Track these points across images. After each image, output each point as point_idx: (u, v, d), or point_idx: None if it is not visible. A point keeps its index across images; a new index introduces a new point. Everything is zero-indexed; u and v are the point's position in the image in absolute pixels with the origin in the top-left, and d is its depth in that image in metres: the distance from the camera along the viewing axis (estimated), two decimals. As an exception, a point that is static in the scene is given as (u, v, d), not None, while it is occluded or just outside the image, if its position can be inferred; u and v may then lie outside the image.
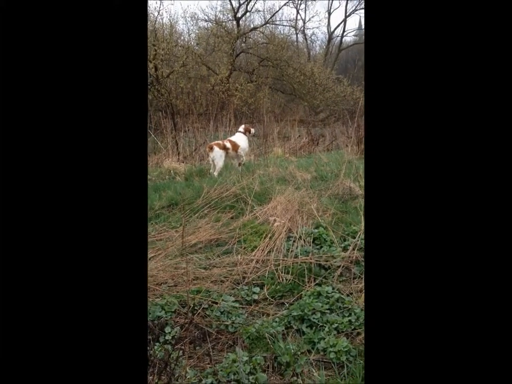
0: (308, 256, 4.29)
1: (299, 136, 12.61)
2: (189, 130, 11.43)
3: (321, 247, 4.51)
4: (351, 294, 3.65)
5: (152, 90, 15.03)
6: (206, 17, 20.51)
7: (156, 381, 2.63)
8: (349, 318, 3.25)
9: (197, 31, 20.42)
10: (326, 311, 3.38)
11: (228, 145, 7.95)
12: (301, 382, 2.64)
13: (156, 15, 15.54)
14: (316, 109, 18.67)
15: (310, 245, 4.55)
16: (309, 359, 2.86)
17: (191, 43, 19.07)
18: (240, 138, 8.41)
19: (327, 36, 26.87)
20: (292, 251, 4.43)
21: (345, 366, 2.75)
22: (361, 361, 2.74)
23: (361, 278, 3.89)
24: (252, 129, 8.44)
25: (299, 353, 2.91)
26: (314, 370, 2.74)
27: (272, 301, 3.72)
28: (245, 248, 4.66)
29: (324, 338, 3.02)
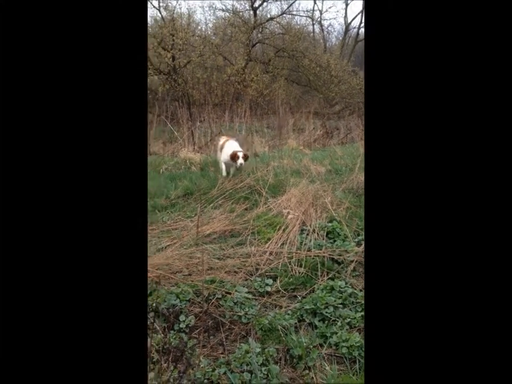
0: (321, 250, 4.28)
1: (313, 128, 12.52)
2: (204, 120, 11.42)
3: (335, 241, 4.49)
4: (363, 288, 3.64)
5: (169, 80, 15.02)
6: (224, 7, 20.35)
7: (172, 368, 2.67)
8: (362, 313, 3.24)
9: (214, 21, 20.32)
10: (339, 305, 3.38)
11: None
12: (313, 376, 2.65)
13: (175, 5, 15.46)
14: (331, 101, 18.47)
15: (323, 239, 4.54)
16: (321, 353, 2.87)
17: (208, 33, 18.99)
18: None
19: (344, 27, 26.50)
20: (305, 244, 4.43)
21: (357, 361, 2.75)
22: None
23: (374, 273, 3.88)
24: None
25: (311, 346, 2.92)
26: (326, 364, 2.75)
27: (284, 293, 3.73)
28: (258, 239, 4.67)
29: (336, 333, 3.02)
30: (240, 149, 6.75)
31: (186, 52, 15.63)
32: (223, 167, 6.79)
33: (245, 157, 6.62)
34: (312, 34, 24.61)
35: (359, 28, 25.39)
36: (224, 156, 6.71)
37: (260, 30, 18.22)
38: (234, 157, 6.49)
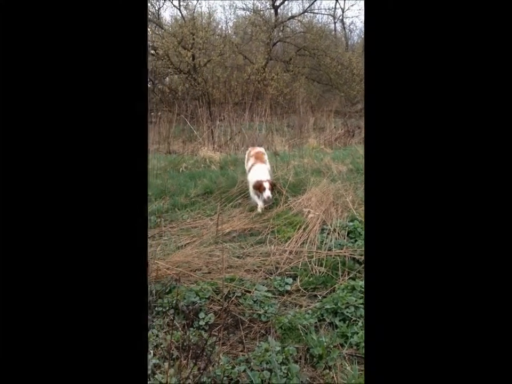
0: (342, 249, 4.25)
1: (335, 127, 12.45)
2: (224, 119, 11.47)
3: (356, 240, 4.46)
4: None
5: (189, 79, 15.15)
6: (244, 6, 20.42)
7: (192, 365, 2.69)
8: (383, 313, 3.21)
9: (234, 20, 20.41)
10: (360, 305, 3.35)
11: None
12: (334, 375, 2.64)
13: (195, 4, 15.58)
14: (353, 99, 18.34)
15: (344, 238, 4.50)
16: (342, 352, 2.84)
17: (228, 32, 19.08)
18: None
19: (366, 25, 26.23)
20: (325, 243, 4.40)
21: (378, 361, 2.72)
22: (395, 358, 2.71)
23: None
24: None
25: (332, 346, 2.90)
26: (347, 364, 2.72)
27: (304, 293, 3.72)
28: (278, 238, 4.67)
29: (357, 333, 3.00)
30: (267, 176, 5.59)
31: (206, 51, 15.74)
32: (256, 199, 5.59)
33: (272, 187, 5.49)
34: (333, 32, 24.48)
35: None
36: (250, 185, 5.66)
37: (281, 29, 18.22)
38: (259, 187, 5.40)
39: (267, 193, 5.35)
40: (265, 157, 6.30)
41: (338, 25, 25.55)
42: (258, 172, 5.67)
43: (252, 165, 5.85)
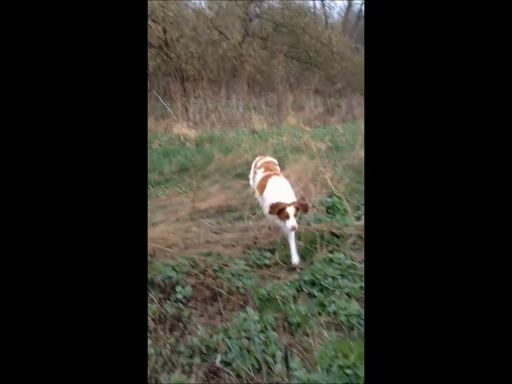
0: (320, 224, 4.38)
1: (314, 106, 12.57)
2: (199, 96, 11.42)
3: (334, 215, 4.59)
4: (363, 260, 3.76)
5: (161, 54, 14.94)
6: (219, -22, 20.16)
7: (168, 336, 2.77)
8: (361, 283, 3.36)
9: (209, -7, 20.13)
10: (338, 276, 3.49)
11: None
12: (312, 342, 2.77)
13: (166, -25, 15.30)
14: (332, 78, 18.46)
15: (323, 214, 4.64)
16: (320, 320, 2.99)
17: (202, 6, 18.82)
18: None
19: (346, 3, 26.33)
20: (304, 219, 4.52)
21: (355, 328, 2.87)
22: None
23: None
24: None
25: (310, 314, 3.04)
26: (324, 331, 2.86)
27: (283, 266, 3.84)
28: (257, 214, 4.77)
29: (335, 302, 3.14)
30: (291, 196, 4.01)
31: (178, 25, 15.51)
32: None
33: (301, 208, 3.92)
34: (313, 9, 24.44)
35: (362, 4, 25.23)
36: (265, 207, 4.09)
37: (258, 4, 18.08)
38: (280, 212, 3.80)
39: (291, 222, 3.75)
40: (278, 168, 4.90)
41: (318, 3, 25.55)
42: (279, 188, 4.07)
43: (266, 177, 4.32)
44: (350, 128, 8.97)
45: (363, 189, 5.07)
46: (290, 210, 3.76)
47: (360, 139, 6.85)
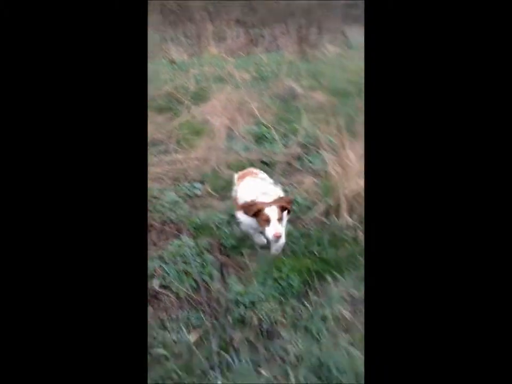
0: (249, 153, 4.53)
1: (236, 36, 12.35)
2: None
3: (262, 144, 4.75)
4: (291, 184, 3.99)
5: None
6: None
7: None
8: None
9: None
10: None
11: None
12: (246, 260, 2.98)
13: None
14: (255, 7, 18.05)
15: (251, 143, 4.77)
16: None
17: None
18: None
19: None
20: (232, 149, 4.64)
21: (288, 246, 3.11)
22: (302, 241, 3.11)
23: (302, 171, 4.22)
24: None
25: (244, 237, 3.24)
26: (258, 250, 3.08)
27: (215, 195, 3.98)
28: (184, 147, 4.80)
29: (268, 224, 3.35)
30: (272, 193, 2.96)
31: None
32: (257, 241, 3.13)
33: (284, 210, 2.85)
34: None
35: None
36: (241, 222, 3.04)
37: None
38: (257, 215, 2.79)
39: (274, 228, 2.70)
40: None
41: None
42: (255, 185, 3.11)
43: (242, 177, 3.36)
44: (274, 58, 8.98)
45: (290, 117, 5.26)
46: (272, 212, 2.72)
47: (285, 68, 6.94)
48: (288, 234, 3.16)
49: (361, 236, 3.11)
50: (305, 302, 2.60)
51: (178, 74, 7.04)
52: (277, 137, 4.81)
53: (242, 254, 3.04)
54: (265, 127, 5.01)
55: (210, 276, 2.76)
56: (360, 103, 5.54)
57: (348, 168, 3.61)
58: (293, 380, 2.03)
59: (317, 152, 4.38)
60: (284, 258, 2.92)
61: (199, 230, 3.34)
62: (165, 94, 6.14)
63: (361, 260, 2.94)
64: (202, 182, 4.15)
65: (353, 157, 3.68)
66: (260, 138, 4.87)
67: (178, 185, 4.06)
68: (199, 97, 6.02)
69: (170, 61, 7.86)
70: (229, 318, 2.28)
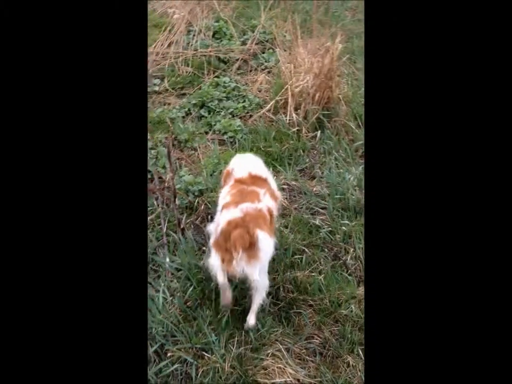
0: (207, 49, 4.44)
1: None
2: None
3: (221, 40, 4.63)
4: (247, 84, 4.01)
5: None
6: None
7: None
8: (243, 104, 3.65)
9: None
10: (223, 98, 3.75)
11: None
12: (198, 155, 3.13)
13: None
14: None
15: (210, 39, 4.65)
16: (207, 138, 3.32)
17: None
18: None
19: None
20: (191, 45, 4.52)
21: (236, 141, 3.26)
22: (250, 136, 3.26)
23: (257, 71, 4.22)
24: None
25: (197, 133, 3.35)
26: (211, 146, 3.22)
27: (173, 92, 3.97)
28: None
29: (220, 121, 3.45)
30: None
31: None
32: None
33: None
34: None
35: None
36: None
37: None
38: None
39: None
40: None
41: None
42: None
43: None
44: None
45: (249, 12, 5.07)
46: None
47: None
48: (238, 131, 3.29)
49: (303, 131, 3.27)
50: (248, 190, 2.80)
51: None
52: (235, 33, 4.69)
53: (195, 149, 3.18)
54: (224, 22, 4.85)
55: (164, 168, 2.91)
56: (318, -1, 5.38)
57: (298, 65, 3.64)
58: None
59: (272, 49, 4.33)
60: (232, 151, 3.07)
61: (155, 125, 3.41)
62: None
63: (302, 153, 3.13)
64: (160, 78, 4.12)
65: (305, 54, 3.70)
66: (218, 33, 4.73)
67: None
68: (160, -12, 5.67)
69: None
70: (177, 203, 2.47)
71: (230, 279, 1.91)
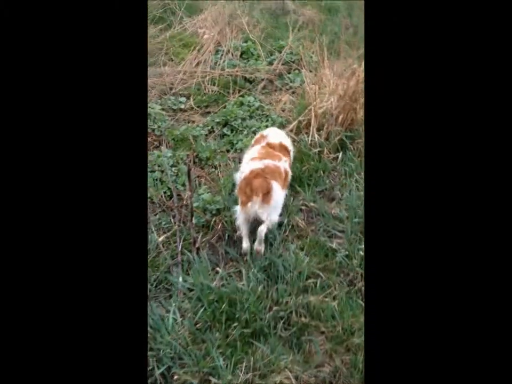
0: (234, 68, 4.49)
1: None
2: None
3: (248, 60, 4.68)
4: (271, 103, 4.02)
5: None
6: None
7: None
8: (266, 123, 3.65)
9: None
10: (247, 117, 3.76)
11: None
12: (218, 173, 3.13)
13: None
14: None
15: (237, 59, 4.70)
16: (228, 156, 3.32)
17: None
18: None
19: None
20: (219, 64, 4.58)
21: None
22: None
23: (282, 91, 4.23)
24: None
25: (219, 151, 3.36)
26: (231, 164, 3.22)
27: (198, 110, 4.01)
28: (172, 60, 4.74)
29: (242, 140, 3.45)
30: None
31: None
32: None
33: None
34: None
35: None
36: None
37: None
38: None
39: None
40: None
41: None
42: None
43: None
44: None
45: (277, 33, 5.11)
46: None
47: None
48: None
49: (325, 152, 3.23)
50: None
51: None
52: (262, 54, 4.73)
53: (215, 167, 3.18)
54: (252, 42, 4.90)
55: (183, 185, 2.92)
56: (346, 20, 5.37)
57: (323, 86, 3.62)
58: (244, 276, 2.26)
59: (298, 70, 4.34)
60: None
61: (178, 142, 3.45)
62: (161, 4, 5.89)
63: (323, 174, 3.08)
64: (187, 96, 4.17)
65: (331, 75, 3.68)
66: (245, 54, 4.78)
67: (164, 98, 4.09)
68: (193, 8, 5.79)
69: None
70: (194, 222, 2.46)
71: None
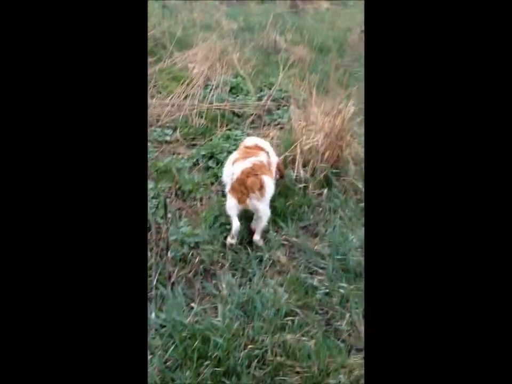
0: (223, 103, 4.54)
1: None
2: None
3: (237, 96, 4.75)
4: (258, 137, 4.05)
5: None
6: None
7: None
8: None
9: None
10: (233, 150, 3.76)
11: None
12: (199, 205, 3.10)
13: None
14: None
15: (226, 93, 4.77)
16: (211, 189, 3.30)
17: None
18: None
19: None
20: (207, 98, 4.64)
21: (241, 194, 3.22)
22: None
23: (270, 126, 4.27)
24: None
25: (202, 184, 3.34)
26: (215, 197, 3.19)
27: (183, 143, 4.04)
28: (160, 93, 4.80)
29: (226, 172, 3.44)
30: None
31: None
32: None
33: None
34: None
35: None
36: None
37: None
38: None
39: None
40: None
41: None
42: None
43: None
44: (267, 9, 8.76)
45: (267, 70, 5.22)
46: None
47: (271, 18, 6.75)
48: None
49: (310, 188, 3.23)
50: (247, 246, 2.74)
51: (167, 18, 6.88)
52: (252, 89, 4.81)
53: (197, 200, 3.15)
54: (242, 78, 4.99)
55: (162, 218, 2.87)
56: (337, 60, 5.51)
57: (310, 123, 3.66)
58: (220, 312, 2.19)
59: (287, 106, 4.40)
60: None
61: (161, 174, 3.43)
62: (152, 38, 6.03)
63: (307, 209, 3.06)
64: (173, 128, 4.20)
65: (319, 113, 3.72)
66: (235, 89, 4.86)
67: (149, 129, 4.11)
68: (184, 43, 5.93)
69: (162, 6, 7.60)
70: (170, 256, 2.41)
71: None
